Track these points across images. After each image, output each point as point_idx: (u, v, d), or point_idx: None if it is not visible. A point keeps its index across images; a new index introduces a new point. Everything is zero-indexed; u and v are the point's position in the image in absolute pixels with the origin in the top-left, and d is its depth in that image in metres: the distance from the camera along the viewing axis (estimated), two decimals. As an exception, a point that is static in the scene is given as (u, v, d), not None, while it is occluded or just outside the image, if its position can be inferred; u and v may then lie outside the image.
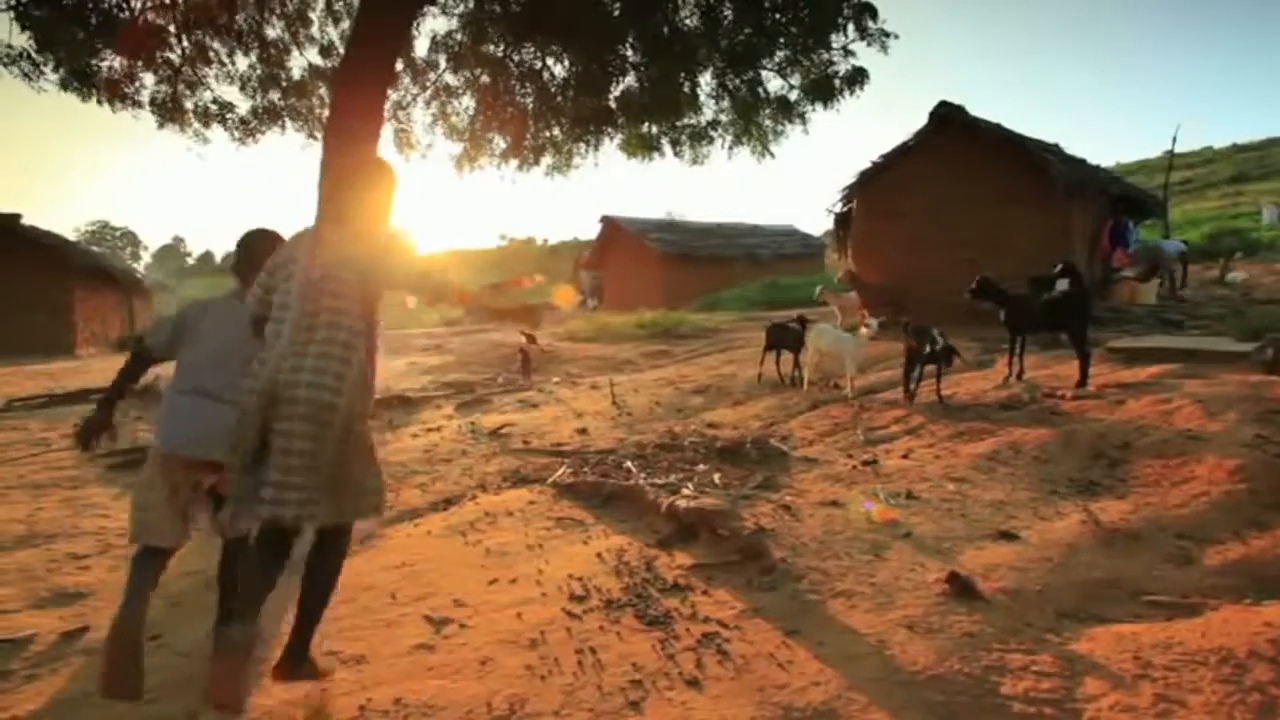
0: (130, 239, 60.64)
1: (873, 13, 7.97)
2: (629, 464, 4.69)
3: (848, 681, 2.17)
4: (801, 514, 3.65)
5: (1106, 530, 3.26)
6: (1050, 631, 2.44)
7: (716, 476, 4.35)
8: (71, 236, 24.88)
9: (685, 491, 3.90)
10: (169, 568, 2.45)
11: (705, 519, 3.44)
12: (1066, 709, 2.00)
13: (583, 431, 6.30)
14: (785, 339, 7.73)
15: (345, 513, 2.21)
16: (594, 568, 3.18)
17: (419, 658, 2.52)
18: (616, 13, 7.90)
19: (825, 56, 8.29)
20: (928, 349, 5.95)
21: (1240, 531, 3.18)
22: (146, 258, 60.64)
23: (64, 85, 7.52)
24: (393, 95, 8.59)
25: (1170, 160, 17.04)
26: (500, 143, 9.59)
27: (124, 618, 2.17)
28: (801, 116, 8.80)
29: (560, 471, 4.71)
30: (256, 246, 2.59)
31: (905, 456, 4.75)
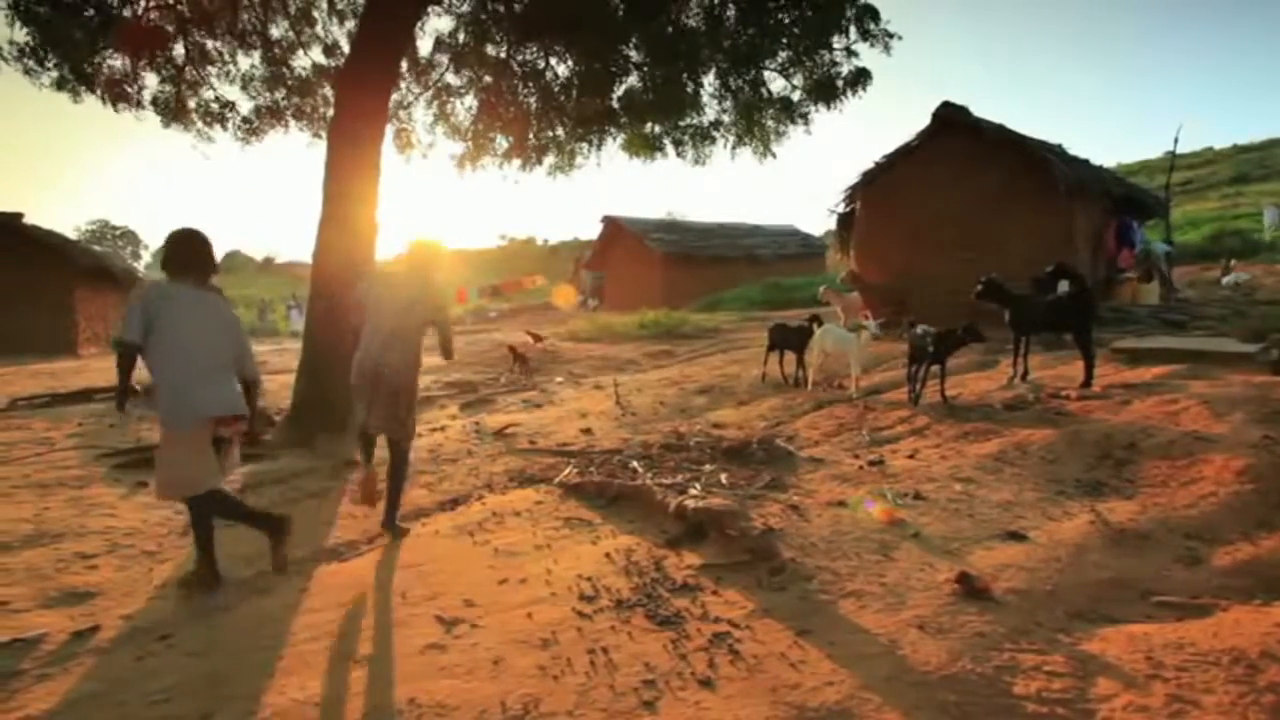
0: (130, 238, 60.42)
1: (875, 14, 7.98)
2: (635, 464, 4.68)
3: (860, 681, 2.18)
4: (809, 514, 3.66)
5: (1115, 531, 3.27)
6: (1061, 632, 2.44)
7: (723, 476, 4.34)
8: (72, 236, 24.68)
9: (692, 491, 3.89)
10: (175, 569, 2.54)
11: (714, 519, 3.44)
12: (1079, 709, 2.00)
13: (587, 431, 6.30)
14: (788, 339, 7.73)
15: (406, 434, 3.94)
16: (603, 568, 3.18)
17: (431, 658, 2.52)
18: (620, 13, 7.90)
19: (828, 57, 8.30)
20: (930, 349, 5.96)
21: (1249, 532, 3.19)
22: (147, 257, 60.31)
23: (59, 85, 7.48)
24: (395, 95, 8.59)
25: (1172, 161, 17.02)
26: (502, 142, 9.60)
27: (203, 563, 3.22)
28: (804, 117, 8.81)
29: (566, 471, 4.71)
30: (181, 245, 3.17)
31: (911, 457, 4.75)
